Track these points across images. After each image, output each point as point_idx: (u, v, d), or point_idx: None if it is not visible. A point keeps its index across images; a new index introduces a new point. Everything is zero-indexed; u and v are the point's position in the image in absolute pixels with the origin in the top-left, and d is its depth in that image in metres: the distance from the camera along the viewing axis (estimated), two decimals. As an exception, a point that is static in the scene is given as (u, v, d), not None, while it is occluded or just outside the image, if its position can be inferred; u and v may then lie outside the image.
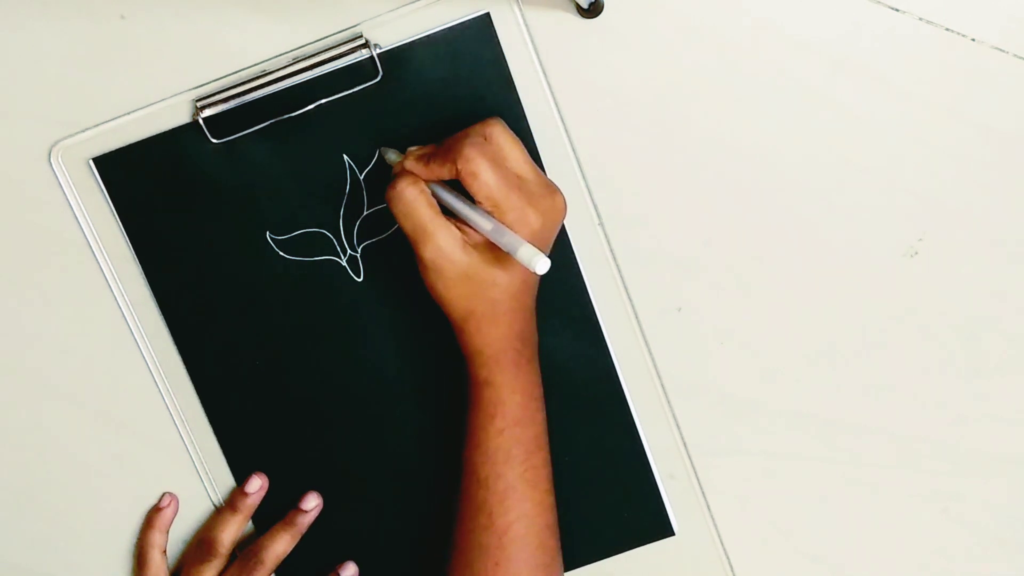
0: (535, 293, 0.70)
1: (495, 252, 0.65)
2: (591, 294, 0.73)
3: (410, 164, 0.67)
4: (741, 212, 0.72)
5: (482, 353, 0.68)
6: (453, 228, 0.65)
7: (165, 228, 0.73)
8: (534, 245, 0.64)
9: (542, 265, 0.62)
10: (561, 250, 0.73)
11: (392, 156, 0.70)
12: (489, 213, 0.64)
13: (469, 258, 0.65)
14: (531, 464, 0.69)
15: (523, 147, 0.66)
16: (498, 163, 0.64)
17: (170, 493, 0.77)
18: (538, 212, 0.65)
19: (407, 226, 0.65)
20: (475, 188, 0.64)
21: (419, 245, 0.65)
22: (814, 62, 0.70)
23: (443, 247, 0.65)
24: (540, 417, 0.70)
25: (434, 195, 0.66)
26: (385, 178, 0.68)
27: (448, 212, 0.66)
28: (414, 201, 0.65)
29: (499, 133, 0.66)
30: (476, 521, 0.69)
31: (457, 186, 0.65)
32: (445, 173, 0.65)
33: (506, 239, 0.63)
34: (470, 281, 0.66)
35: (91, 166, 0.72)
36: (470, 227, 0.65)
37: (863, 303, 0.74)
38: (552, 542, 0.70)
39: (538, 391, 0.70)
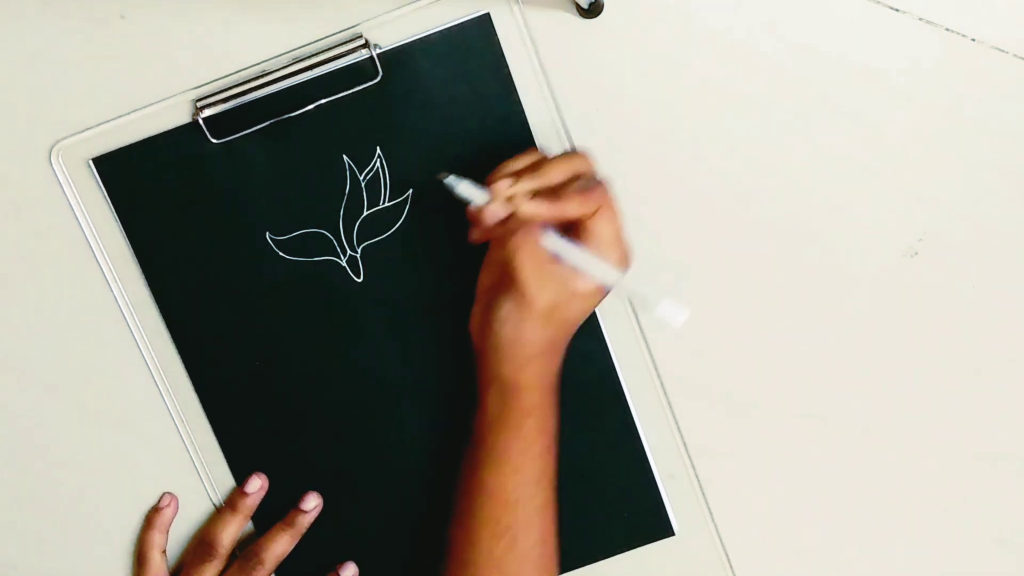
0: None
1: (591, 296, 0.65)
2: (591, 294, 0.73)
3: (531, 207, 0.62)
4: (741, 212, 0.72)
5: (537, 385, 0.67)
6: (564, 277, 0.64)
7: (165, 228, 0.73)
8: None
9: (683, 316, 0.61)
10: (561, 250, 0.73)
11: (472, 191, 0.64)
12: (600, 256, 0.64)
13: (573, 306, 0.65)
14: (554, 486, 0.70)
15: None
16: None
17: (170, 493, 0.77)
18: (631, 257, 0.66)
19: (528, 276, 0.63)
20: (602, 228, 0.63)
21: (536, 296, 0.63)
22: (814, 62, 0.70)
23: (559, 299, 0.64)
24: (555, 446, 0.71)
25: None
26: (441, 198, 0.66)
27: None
28: (539, 250, 0.63)
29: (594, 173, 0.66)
30: (497, 544, 0.69)
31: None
32: (578, 213, 0.63)
33: (642, 293, 0.63)
34: (565, 325, 0.66)
35: (91, 166, 0.72)
36: (570, 270, 0.64)
37: (863, 303, 0.73)
38: (552, 564, 0.71)
39: (559, 424, 0.71)
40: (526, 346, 0.66)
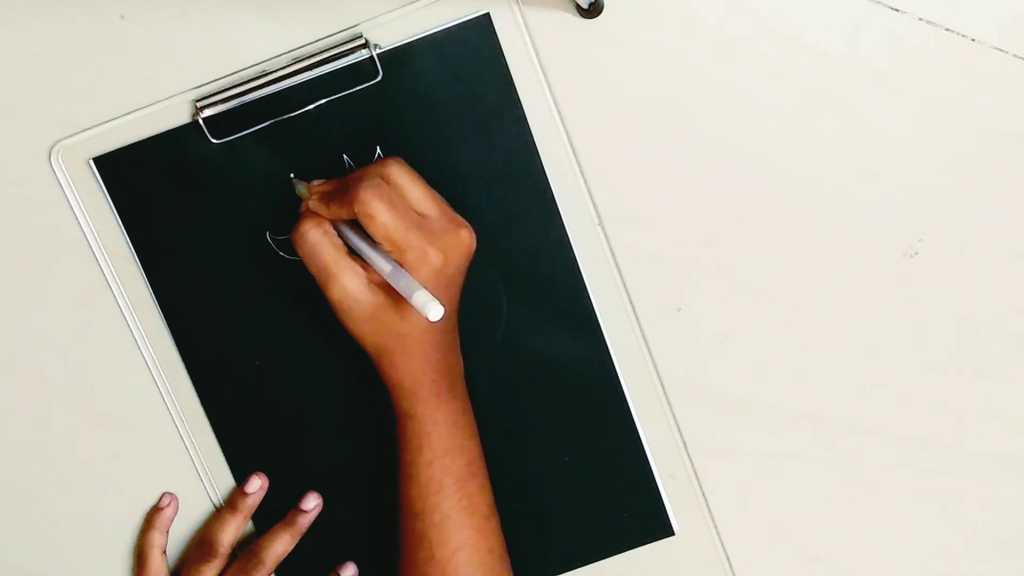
0: (452, 326, 0.70)
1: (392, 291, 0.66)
2: (591, 294, 0.73)
3: (313, 204, 0.68)
4: (741, 212, 0.72)
5: (400, 386, 0.69)
6: (358, 268, 0.66)
7: (165, 228, 0.73)
8: (437, 282, 0.65)
9: (435, 312, 0.62)
10: (561, 250, 0.73)
11: (301, 190, 0.70)
12: (389, 253, 0.65)
13: (375, 297, 0.66)
14: (465, 492, 0.69)
15: (424, 183, 0.67)
16: (395, 203, 0.65)
17: (170, 493, 0.77)
18: (439, 249, 0.65)
19: (312, 268, 0.66)
20: (372, 230, 0.64)
21: (325, 287, 0.66)
22: (814, 62, 0.70)
23: (348, 288, 0.66)
24: (470, 444, 0.70)
25: (339, 233, 0.67)
26: (296, 206, 0.70)
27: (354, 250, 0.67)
28: (317, 243, 0.66)
29: (397, 172, 0.66)
30: (418, 554, 0.69)
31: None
32: (344, 214, 0.66)
33: (402, 283, 0.64)
34: (377, 319, 0.67)
35: (91, 166, 0.72)
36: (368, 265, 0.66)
37: (863, 303, 0.74)
38: (499, 565, 0.71)
39: (464, 419, 0.70)
40: (359, 342, 0.68)
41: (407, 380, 0.68)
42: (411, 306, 0.64)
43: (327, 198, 0.67)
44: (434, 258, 0.65)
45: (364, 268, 0.66)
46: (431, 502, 0.69)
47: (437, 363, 0.69)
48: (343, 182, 0.68)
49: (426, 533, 0.69)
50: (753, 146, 0.71)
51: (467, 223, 0.68)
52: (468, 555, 0.69)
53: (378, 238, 0.65)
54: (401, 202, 0.65)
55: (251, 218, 0.73)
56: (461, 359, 0.72)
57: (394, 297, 0.66)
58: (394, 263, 0.65)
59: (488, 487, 0.71)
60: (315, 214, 0.67)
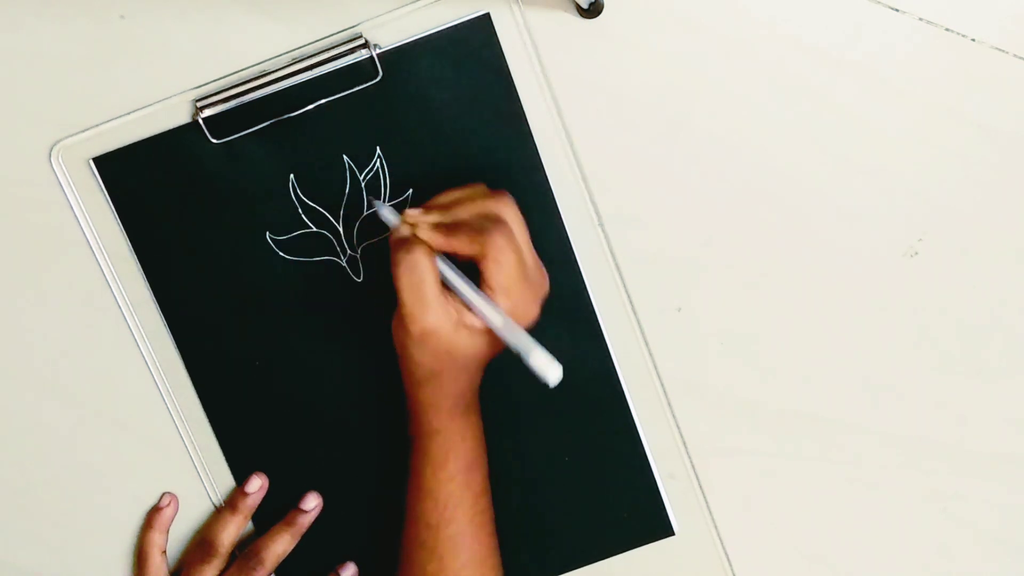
0: None
1: (483, 333, 0.65)
2: (591, 294, 0.73)
3: (426, 234, 0.65)
4: (741, 212, 0.72)
5: (436, 406, 0.68)
6: (451, 308, 0.64)
7: (165, 228, 0.73)
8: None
9: (555, 375, 0.61)
10: (561, 250, 0.73)
11: (388, 215, 0.67)
12: (491, 296, 0.64)
13: (458, 338, 0.65)
14: (479, 508, 0.70)
15: (526, 228, 0.66)
16: (520, 255, 0.64)
17: (170, 493, 0.77)
18: (538, 303, 0.65)
19: (409, 296, 0.64)
20: (492, 274, 0.63)
21: (414, 315, 0.64)
22: (814, 62, 0.70)
23: (438, 325, 0.64)
24: (486, 462, 0.70)
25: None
26: (367, 218, 0.69)
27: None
28: (425, 274, 0.64)
29: (512, 216, 0.65)
30: (426, 568, 0.69)
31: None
32: (466, 251, 0.64)
33: (521, 342, 0.63)
34: (449, 355, 0.66)
35: (91, 166, 0.72)
36: (464, 305, 0.65)
37: (863, 303, 0.74)
38: (495, 570, 0.71)
39: (483, 436, 0.70)
40: (411, 364, 0.66)
41: (446, 400, 0.68)
42: (486, 348, 0.64)
43: (445, 230, 0.64)
44: (532, 312, 0.65)
45: (453, 304, 0.64)
46: (448, 515, 0.69)
47: (473, 386, 0.69)
48: (446, 211, 0.66)
49: (437, 546, 0.69)
50: (753, 146, 0.71)
51: (545, 269, 0.67)
52: (473, 571, 0.69)
53: (493, 283, 0.63)
54: (520, 253, 0.65)
55: (251, 218, 0.73)
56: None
57: (474, 342, 0.65)
58: (504, 316, 0.63)
59: (492, 506, 0.71)
60: (423, 242, 0.64)
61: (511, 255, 0.63)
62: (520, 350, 0.63)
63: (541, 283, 0.67)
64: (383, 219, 0.68)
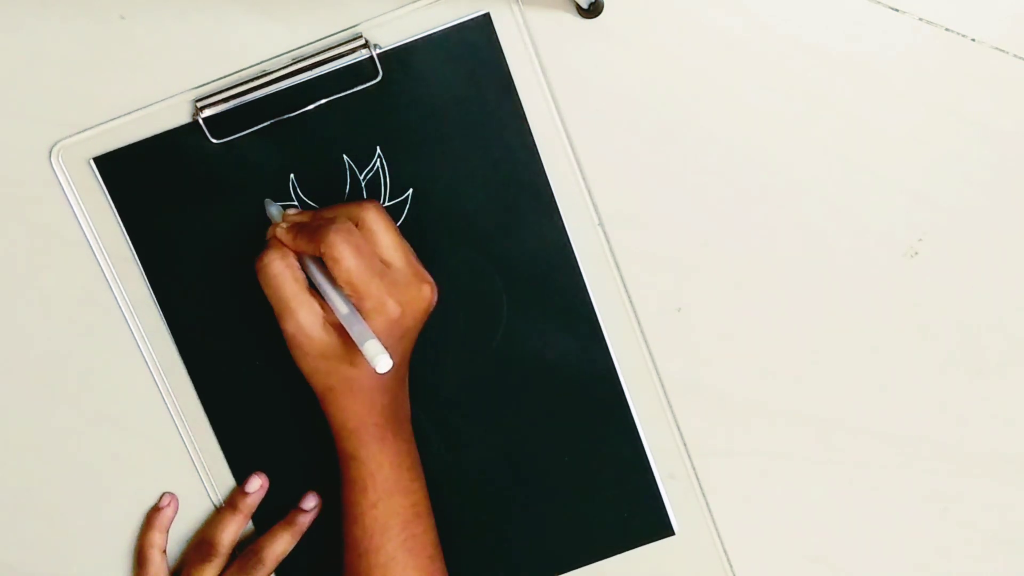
0: (403, 373, 0.70)
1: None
2: (591, 294, 0.73)
3: (280, 234, 0.67)
4: (741, 212, 0.72)
5: (344, 427, 0.69)
6: (316, 305, 0.66)
7: (165, 228, 0.73)
8: (391, 333, 0.65)
9: (383, 364, 0.62)
10: (561, 250, 0.73)
11: (273, 212, 0.71)
12: (348, 297, 0.65)
13: (328, 337, 0.66)
14: (410, 533, 0.70)
15: (396, 232, 0.67)
16: (361, 250, 0.65)
17: (170, 493, 0.77)
18: (399, 301, 0.65)
19: (271, 299, 0.66)
20: (335, 273, 0.64)
21: (281, 319, 0.66)
22: (814, 62, 0.70)
23: (303, 324, 0.66)
24: (416, 486, 0.71)
25: (303, 266, 0.67)
26: (265, 225, 0.70)
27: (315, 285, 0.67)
28: (279, 275, 0.66)
29: (372, 218, 0.66)
30: None
31: None
32: (310, 251, 0.66)
33: (356, 330, 0.64)
34: (327, 359, 0.67)
35: (91, 166, 0.72)
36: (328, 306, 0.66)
37: (863, 303, 0.74)
38: None
39: (409, 460, 0.70)
40: (306, 375, 0.68)
41: (351, 422, 0.68)
42: (360, 352, 0.64)
43: (296, 230, 0.67)
44: (392, 309, 0.65)
45: (323, 306, 0.66)
46: (375, 543, 0.69)
47: (383, 407, 0.69)
48: (317, 216, 0.68)
49: (371, 573, 0.69)
50: (753, 146, 0.71)
51: (430, 278, 0.68)
52: None
53: (340, 282, 0.65)
54: (368, 249, 0.65)
55: (251, 218, 0.73)
56: (408, 402, 0.72)
57: (347, 340, 0.66)
58: (352, 307, 0.65)
59: (433, 528, 0.71)
60: (281, 244, 0.67)
61: (347, 249, 0.64)
62: (356, 339, 0.63)
63: (408, 283, 0.66)
64: (268, 216, 0.71)
